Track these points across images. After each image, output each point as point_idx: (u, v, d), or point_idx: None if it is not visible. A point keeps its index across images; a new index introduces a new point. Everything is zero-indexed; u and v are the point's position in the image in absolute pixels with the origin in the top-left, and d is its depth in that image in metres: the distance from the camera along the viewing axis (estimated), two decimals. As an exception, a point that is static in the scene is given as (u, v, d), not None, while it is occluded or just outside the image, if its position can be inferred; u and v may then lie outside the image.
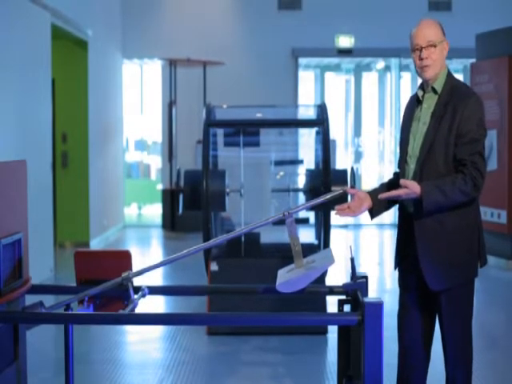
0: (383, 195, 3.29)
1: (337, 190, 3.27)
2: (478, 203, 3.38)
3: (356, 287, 3.02)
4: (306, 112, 9.89)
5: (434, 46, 3.34)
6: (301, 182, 7.62)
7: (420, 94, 3.45)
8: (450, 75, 3.42)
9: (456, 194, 3.21)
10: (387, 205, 3.53)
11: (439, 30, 3.39)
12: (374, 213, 3.49)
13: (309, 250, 5.24)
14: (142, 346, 5.81)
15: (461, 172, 3.23)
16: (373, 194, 3.44)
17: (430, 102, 3.40)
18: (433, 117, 3.34)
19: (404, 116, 3.55)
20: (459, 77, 16.55)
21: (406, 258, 3.48)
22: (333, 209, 3.48)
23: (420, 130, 3.39)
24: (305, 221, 7.09)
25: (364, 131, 16.78)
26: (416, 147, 3.38)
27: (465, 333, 3.42)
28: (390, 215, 13.28)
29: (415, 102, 3.48)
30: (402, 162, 3.47)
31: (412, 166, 3.39)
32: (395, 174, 3.66)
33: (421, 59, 3.35)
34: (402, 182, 3.25)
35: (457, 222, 3.31)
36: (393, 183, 3.55)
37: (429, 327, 3.51)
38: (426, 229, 3.32)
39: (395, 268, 3.57)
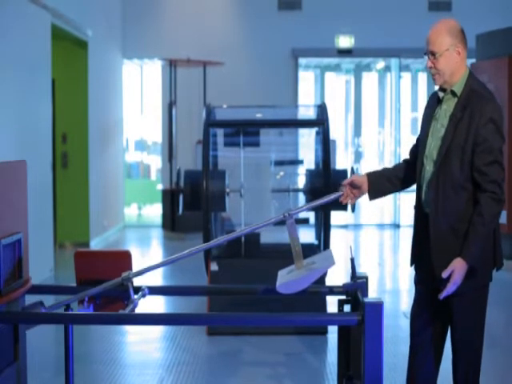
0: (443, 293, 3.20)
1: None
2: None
3: (356, 287, 3.02)
4: (306, 112, 9.89)
5: (436, 56, 3.32)
6: (301, 182, 7.62)
7: (441, 94, 3.40)
8: (470, 77, 3.36)
9: (487, 223, 3.18)
10: (386, 189, 3.59)
11: (445, 37, 3.34)
12: (371, 195, 3.54)
13: (309, 250, 5.25)
14: (142, 346, 5.81)
15: (480, 190, 3.20)
16: (372, 175, 3.52)
17: (449, 104, 3.36)
18: (451, 120, 3.30)
19: (424, 114, 3.51)
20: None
21: (421, 257, 3.47)
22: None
23: (438, 132, 3.36)
24: (305, 221, 7.08)
25: (364, 131, 16.78)
26: (433, 149, 3.35)
27: (476, 339, 3.37)
28: (390, 215, 13.28)
29: (436, 101, 3.44)
30: (419, 161, 3.43)
31: (428, 167, 3.37)
32: (405, 161, 3.62)
33: (428, 67, 3.35)
34: (444, 274, 3.17)
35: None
36: (399, 168, 3.59)
37: (441, 328, 3.47)
38: (441, 233, 3.30)
39: (411, 265, 3.56)
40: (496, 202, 3.17)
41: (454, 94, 3.34)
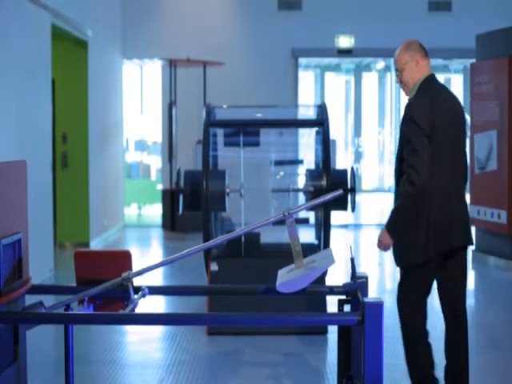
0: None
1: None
2: (435, 201, 3.91)
3: (356, 287, 3.02)
4: (306, 112, 9.89)
5: (400, 70, 4.01)
6: (301, 182, 7.62)
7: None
8: (423, 83, 3.99)
9: (403, 202, 3.88)
10: None
11: (404, 52, 3.99)
12: None
13: (309, 250, 5.24)
14: (142, 346, 5.81)
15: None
16: None
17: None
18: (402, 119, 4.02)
19: None
20: (459, 77, 16.57)
21: None
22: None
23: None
24: (305, 221, 7.08)
25: (364, 131, 16.78)
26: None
27: (401, 311, 4.11)
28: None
29: None
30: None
31: (394, 164, 4.08)
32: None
33: (398, 80, 4.09)
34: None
35: (408, 215, 3.90)
36: None
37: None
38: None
39: None
40: (409, 183, 3.79)
41: (408, 99, 4.05)
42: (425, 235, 3.91)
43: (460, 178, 4.15)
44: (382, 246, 3.97)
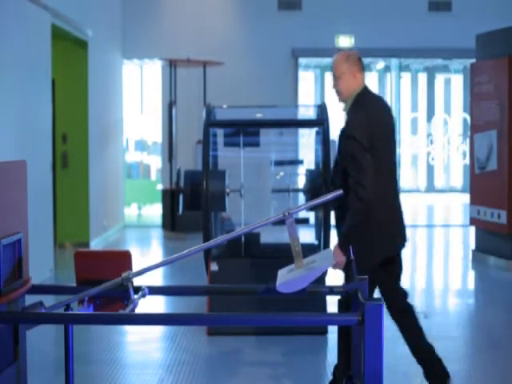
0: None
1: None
2: (380, 211, 4.06)
3: (356, 287, 3.02)
4: (306, 112, 9.89)
5: (337, 78, 4.16)
6: (301, 182, 7.62)
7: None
8: (356, 99, 4.14)
9: (353, 219, 3.99)
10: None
11: (342, 62, 4.14)
12: None
13: (309, 250, 5.24)
14: (142, 346, 5.81)
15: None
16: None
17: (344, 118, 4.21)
18: (341, 131, 4.16)
19: None
20: (459, 77, 16.56)
21: None
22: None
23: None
24: (305, 221, 7.08)
25: (364, 131, 16.76)
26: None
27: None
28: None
29: None
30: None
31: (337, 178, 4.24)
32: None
33: (334, 87, 4.22)
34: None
35: (361, 225, 4.03)
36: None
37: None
38: None
39: None
40: (358, 199, 3.94)
41: (344, 111, 4.21)
42: (374, 242, 4.11)
43: (396, 186, 4.33)
44: (337, 264, 4.00)
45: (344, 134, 4.11)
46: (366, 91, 4.20)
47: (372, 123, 4.08)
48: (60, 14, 8.82)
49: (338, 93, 4.20)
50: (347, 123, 4.10)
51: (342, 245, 4.00)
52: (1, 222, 2.91)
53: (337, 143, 4.28)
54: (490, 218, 8.94)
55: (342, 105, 4.27)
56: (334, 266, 4.00)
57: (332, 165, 4.47)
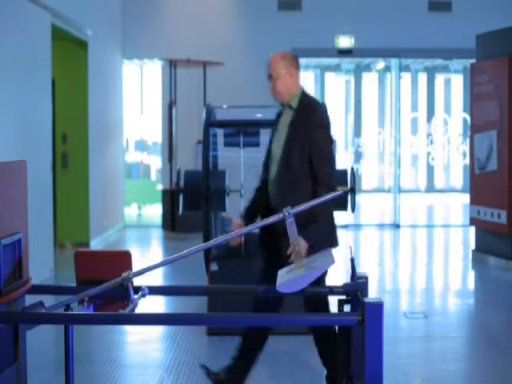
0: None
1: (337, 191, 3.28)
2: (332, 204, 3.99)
3: (356, 287, 3.02)
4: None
5: (274, 78, 4.13)
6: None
7: (280, 109, 4.27)
8: (303, 95, 4.15)
9: (325, 210, 3.97)
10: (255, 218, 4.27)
11: (279, 62, 4.13)
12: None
13: (309, 250, 5.22)
14: (142, 346, 5.81)
15: (317, 183, 3.97)
16: (245, 218, 4.23)
17: (287, 115, 4.16)
18: (290, 126, 4.08)
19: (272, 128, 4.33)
20: (459, 77, 16.58)
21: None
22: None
23: (279, 140, 4.14)
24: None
25: (364, 131, 16.78)
26: (276, 154, 4.12)
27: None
28: (390, 215, 13.28)
29: (277, 115, 4.30)
30: (265, 165, 4.22)
31: (273, 167, 4.12)
32: (258, 189, 4.29)
33: (271, 87, 4.18)
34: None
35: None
36: (257, 200, 4.25)
37: None
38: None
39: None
40: (331, 190, 3.81)
41: (290, 107, 4.14)
42: (330, 233, 4.21)
43: None
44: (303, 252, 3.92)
45: (306, 123, 4.04)
46: (307, 94, 4.22)
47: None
48: (60, 13, 8.82)
49: (277, 93, 4.18)
50: (312, 111, 4.06)
51: (306, 236, 3.91)
52: (1, 222, 2.91)
53: (283, 135, 4.14)
54: (490, 217, 8.94)
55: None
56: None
57: (265, 157, 4.33)
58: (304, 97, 4.17)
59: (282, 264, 3.80)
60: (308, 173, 4.01)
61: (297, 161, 4.01)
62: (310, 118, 4.05)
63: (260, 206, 4.25)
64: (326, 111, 4.18)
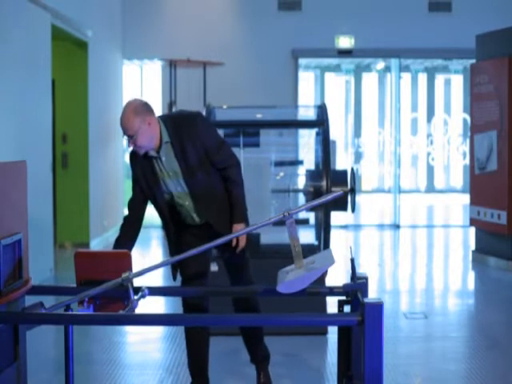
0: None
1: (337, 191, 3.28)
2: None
3: (356, 288, 3.02)
4: (306, 113, 9.89)
5: (134, 137, 3.88)
6: (301, 182, 7.62)
7: (153, 153, 4.02)
8: (165, 123, 3.99)
9: (242, 191, 4.15)
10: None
11: (133, 119, 3.85)
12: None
13: (309, 250, 5.24)
14: (142, 346, 5.81)
15: (229, 180, 4.13)
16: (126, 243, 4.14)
17: (168, 151, 4.00)
18: (177, 156, 3.98)
19: (139, 172, 4.20)
20: (459, 77, 16.58)
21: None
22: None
23: (169, 174, 4.04)
24: (305, 221, 7.08)
25: (364, 132, 16.79)
26: (176, 184, 4.06)
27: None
28: (390, 216, 13.28)
29: (145, 160, 4.08)
30: (162, 203, 4.14)
31: (187, 202, 4.09)
32: (127, 217, 4.35)
33: (131, 144, 3.96)
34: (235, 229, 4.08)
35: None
36: (131, 226, 4.32)
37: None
38: (220, 224, 4.24)
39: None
40: (240, 181, 4.14)
41: (166, 143, 3.98)
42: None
43: None
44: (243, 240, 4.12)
45: (191, 135, 4.00)
46: (167, 117, 4.08)
47: None
48: (60, 14, 8.82)
49: (143, 148, 3.96)
50: (188, 127, 4.00)
51: (243, 218, 4.11)
52: (1, 222, 2.91)
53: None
54: (490, 218, 8.94)
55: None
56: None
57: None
58: (169, 122, 4.02)
59: (237, 255, 4.28)
60: (219, 178, 4.14)
61: (202, 174, 4.04)
62: (192, 133, 3.99)
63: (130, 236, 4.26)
64: (199, 113, 4.13)
